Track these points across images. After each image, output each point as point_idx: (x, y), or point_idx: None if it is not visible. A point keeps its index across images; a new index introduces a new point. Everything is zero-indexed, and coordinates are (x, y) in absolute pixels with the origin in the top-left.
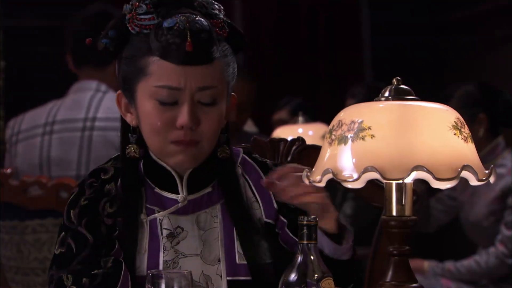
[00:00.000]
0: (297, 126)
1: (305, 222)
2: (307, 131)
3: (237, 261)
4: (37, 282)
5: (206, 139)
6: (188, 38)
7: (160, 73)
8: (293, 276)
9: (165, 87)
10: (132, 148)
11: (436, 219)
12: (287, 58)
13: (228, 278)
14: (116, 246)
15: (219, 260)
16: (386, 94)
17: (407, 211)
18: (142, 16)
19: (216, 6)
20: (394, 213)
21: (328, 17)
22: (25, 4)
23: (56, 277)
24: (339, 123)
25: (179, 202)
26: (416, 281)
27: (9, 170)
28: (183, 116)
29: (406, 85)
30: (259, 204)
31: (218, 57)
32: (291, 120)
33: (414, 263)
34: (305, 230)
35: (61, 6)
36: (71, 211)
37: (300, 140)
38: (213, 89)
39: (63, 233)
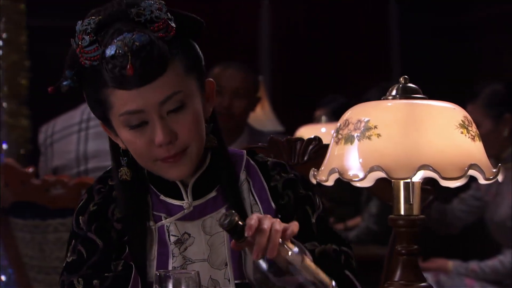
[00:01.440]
0: (320, 125)
1: (228, 229)
2: (330, 130)
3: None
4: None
5: (191, 142)
6: (129, 62)
7: (119, 102)
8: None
9: (128, 113)
10: (124, 171)
11: (461, 220)
12: (315, 57)
13: (236, 282)
14: (127, 250)
15: (226, 264)
16: (394, 92)
17: (415, 210)
18: (87, 49)
19: (155, 5)
20: (402, 212)
21: (355, 15)
22: (50, 4)
23: (67, 282)
24: (345, 122)
25: (185, 209)
26: (425, 280)
27: (30, 169)
28: (157, 135)
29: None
30: (258, 207)
31: (171, 61)
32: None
33: (438, 262)
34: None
35: (86, 6)
36: (80, 217)
37: (316, 139)
38: (176, 95)
39: (73, 240)
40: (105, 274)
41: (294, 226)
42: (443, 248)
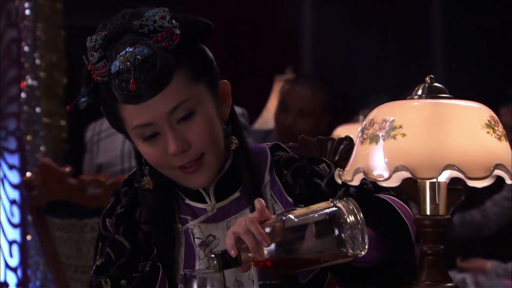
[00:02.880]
0: (357, 125)
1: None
2: None
3: None
4: None
5: (207, 148)
6: (132, 78)
7: (129, 116)
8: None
9: (139, 127)
10: (146, 180)
11: (494, 222)
12: (359, 58)
13: (260, 283)
14: (155, 252)
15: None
16: (419, 92)
17: (441, 210)
18: (97, 65)
19: (159, 14)
20: (427, 212)
21: (398, 14)
22: (87, 4)
23: (95, 283)
24: (371, 122)
25: (208, 211)
26: (451, 281)
27: (67, 169)
28: (169, 145)
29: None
30: (279, 205)
31: (176, 70)
32: None
33: (477, 263)
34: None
35: (122, 6)
36: (107, 219)
37: (348, 139)
38: (184, 102)
39: (101, 242)
40: (133, 275)
41: (257, 202)
42: (482, 249)
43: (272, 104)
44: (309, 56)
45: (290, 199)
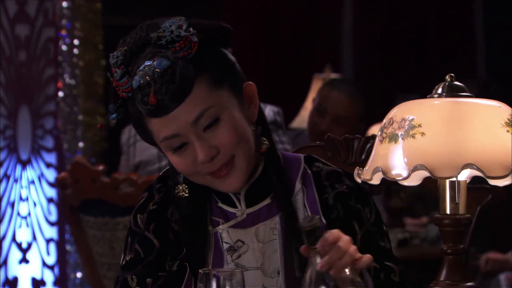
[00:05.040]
0: None
1: (308, 229)
2: None
3: (297, 273)
4: None
5: (236, 150)
6: (152, 92)
7: (156, 129)
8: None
9: (166, 139)
10: (181, 188)
11: None
12: (398, 57)
13: None
14: (183, 252)
15: (278, 273)
16: (439, 91)
17: (461, 209)
18: (120, 81)
19: (176, 24)
20: (447, 211)
21: (441, 15)
22: (126, 4)
23: (121, 279)
24: (390, 121)
25: (237, 216)
26: (471, 280)
27: (100, 167)
28: (198, 154)
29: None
30: None
31: (197, 79)
32: None
33: None
34: (307, 237)
35: (160, 5)
36: (138, 215)
37: (374, 137)
38: (208, 110)
39: (130, 238)
40: (159, 273)
41: (367, 259)
42: None
43: (310, 103)
44: (348, 55)
45: (323, 220)
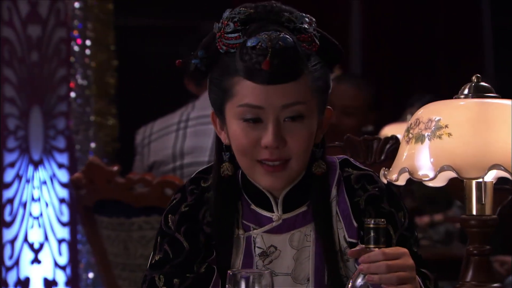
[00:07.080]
0: (405, 124)
1: (371, 225)
2: None
3: (326, 281)
4: None
5: (295, 157)
6: (268, 57)
7: (243, 92)
8: (359, 281)
9: (248, 106)
10: (226, 166)
11: None
12: (406, 58)
13: None
14: (213, 255)
15: (308, 280)
16: (466, 91)
17: (488, 210)
18: (230, 35)
19: (307, 19)
20: (474, 212)
21: (448, 15)
22: (138, 4)
23: (149, 278)
24: (416, 122)
25: (274, 221)
26: (497, 281)
27: (115, 168)
28: (267, 136)
29: None
30: (342, 224)
31: (305, 73)
32: None
33: None
34: (372, 234)
35: (172, 7)
36: (170, 216)
37: (394, 138)
38: (299, 105)
39: (160, 238)
40: (187, 275)
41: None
42: None
43: None
44: (357, 54)
45: (355, 223)
